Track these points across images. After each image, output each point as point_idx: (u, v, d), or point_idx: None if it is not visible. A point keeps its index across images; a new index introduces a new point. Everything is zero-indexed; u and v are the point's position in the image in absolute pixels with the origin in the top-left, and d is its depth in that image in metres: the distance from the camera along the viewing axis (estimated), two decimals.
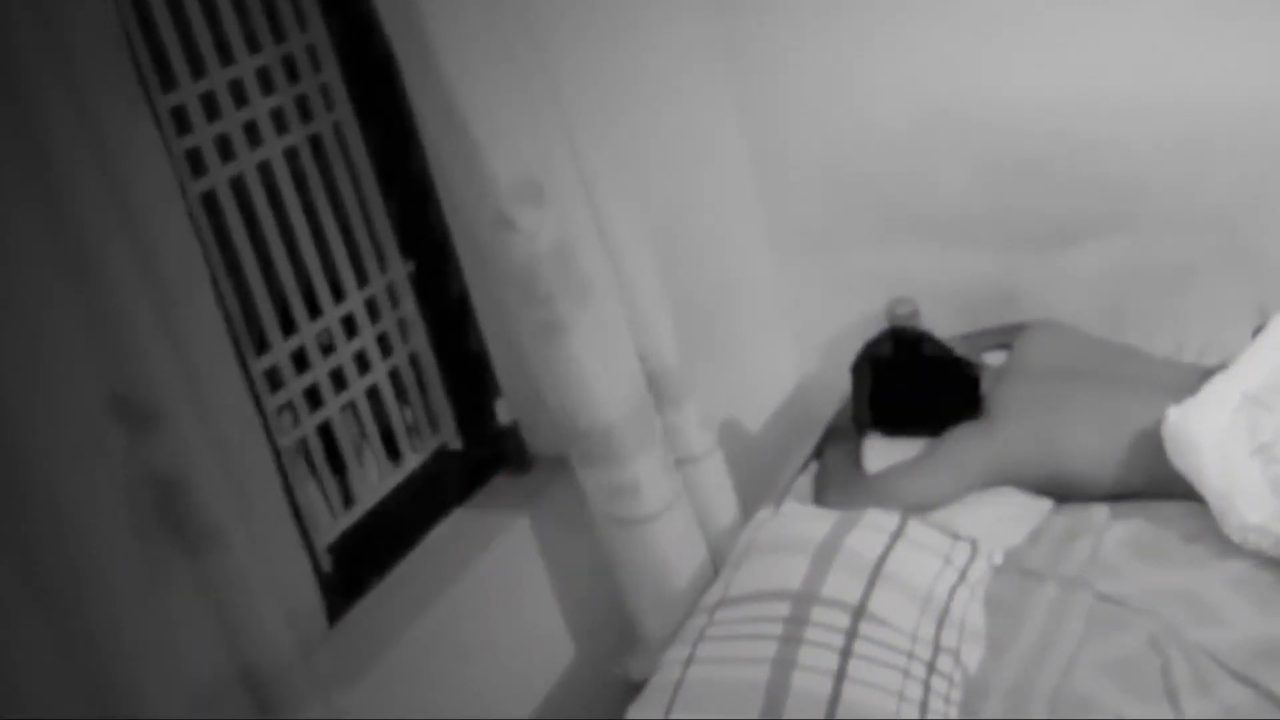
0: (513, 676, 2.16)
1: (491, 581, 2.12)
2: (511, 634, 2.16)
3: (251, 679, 1.55)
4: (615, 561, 2.14)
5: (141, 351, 1.40)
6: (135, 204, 1.46)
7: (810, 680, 1.76)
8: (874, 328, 2.57)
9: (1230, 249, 2.55)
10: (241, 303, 1.91)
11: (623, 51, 2.39)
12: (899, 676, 1.79)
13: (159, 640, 1.42)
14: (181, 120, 1.82)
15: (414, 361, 2.26)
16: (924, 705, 1.77)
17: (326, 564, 2.01)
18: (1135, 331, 2.53)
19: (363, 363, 2.15)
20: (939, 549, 2.02)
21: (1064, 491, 2.22)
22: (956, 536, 2.08)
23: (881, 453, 2.40)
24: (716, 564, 2.19)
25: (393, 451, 2.22)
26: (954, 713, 1.80)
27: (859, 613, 1.85)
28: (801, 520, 2.11)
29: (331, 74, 2.07)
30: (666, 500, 2.08)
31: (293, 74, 2.01)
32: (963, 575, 1.99)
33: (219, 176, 1.88)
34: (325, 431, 2.09)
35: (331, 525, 2.07)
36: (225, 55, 1.89)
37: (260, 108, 1.95)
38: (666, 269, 2.17)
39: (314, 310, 2.06)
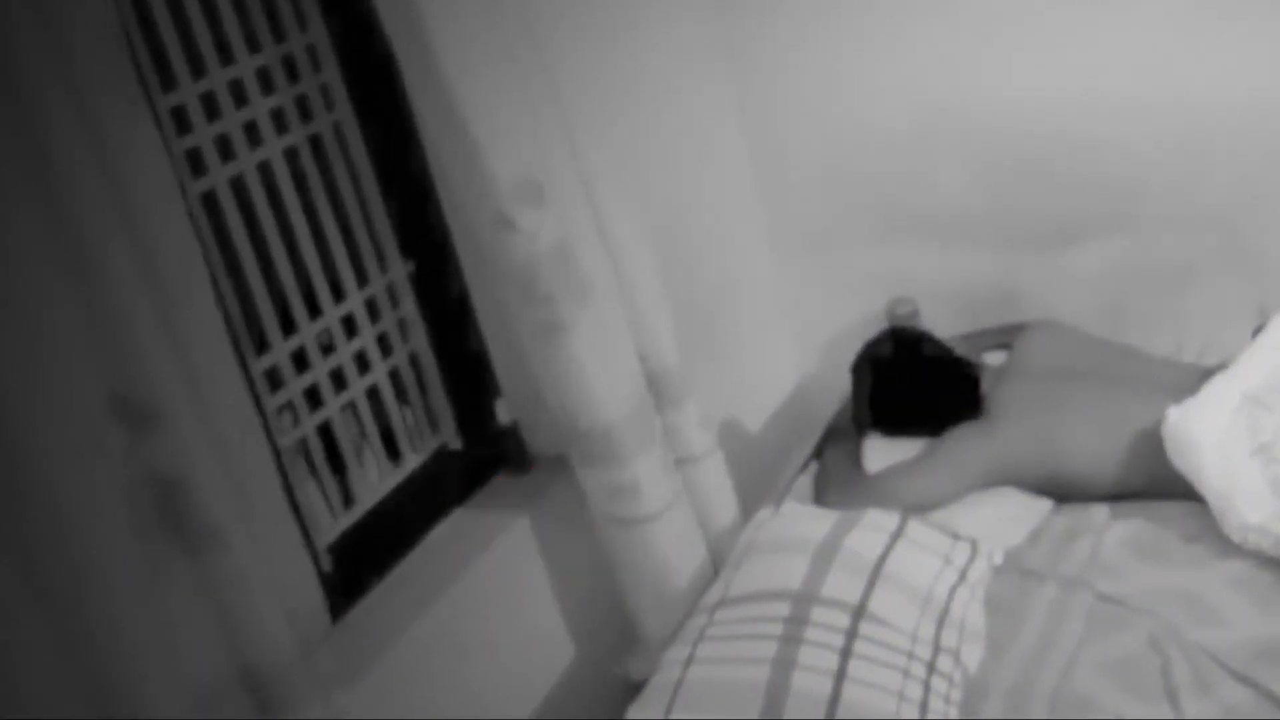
0: (513, 676, 2.16)
1: (491, 581, 2.12)
2: (511, 634, 2.16)
3: (252, 679, 1.55)
4: (615, 561, 2.14)
5: (141, 351, 1.40)
6: (135, 204, 1.46)
7: (810, 680, 1.76)
8: (874, 328, 2.57)
9: (1230, 249, 2.55)
10: (241, 303, 1.91)
11: (623, 51, 2.39)
12: (899, 676, 1.79)
13: (159, 640, 1.42)
14: (181, 120, 1.82)
15: (414, 361, 2.26)
16: (924, 705, 1.77)
17: (327, 564, 2.01)
18: (1135, 331, 2.52)
19: (363, 363, 2.15)
20: (939, 549, 2.02)
21: (1064, 491, 2.22)
22: (956, 536, 2.08)
23: (881, 453, 2.40)
24: (716, 564, 2.19)
25: (393, 451, 2.22)
26: (954, 713, 1.80)
27: (859, 613, 1.85)
28: (801, 520, 2.11)
29: (331, 74, 2.07)
30: (666, 500, 2.08)
31: (293, 74, 2.01)
32: (963, 575, 1.99)
33: (219, 176, 1.88)
34: (325, 431, 2.09)
35: (332, 525, 2.07)
36: (225, 55, 1.89)
37: (260, 108, 1.95)
38: (666, 269, 2.17)
39: (314, 310, 2.06)
